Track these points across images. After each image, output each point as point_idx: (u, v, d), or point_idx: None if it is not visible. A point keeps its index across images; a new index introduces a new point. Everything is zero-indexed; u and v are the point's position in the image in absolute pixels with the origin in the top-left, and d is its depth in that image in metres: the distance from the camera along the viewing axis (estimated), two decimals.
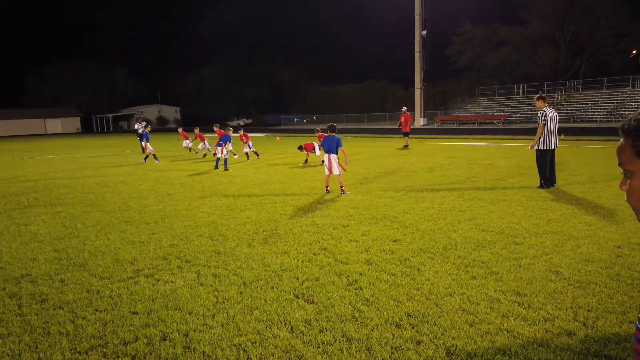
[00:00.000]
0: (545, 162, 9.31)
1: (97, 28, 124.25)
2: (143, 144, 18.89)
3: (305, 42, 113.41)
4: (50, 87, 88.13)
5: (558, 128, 9.50)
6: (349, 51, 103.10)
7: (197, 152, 20.93)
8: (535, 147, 9.41)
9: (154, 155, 17.95)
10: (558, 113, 9.78)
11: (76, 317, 3.84)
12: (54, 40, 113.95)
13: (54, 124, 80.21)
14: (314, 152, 15.96)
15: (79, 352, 3.27)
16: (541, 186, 9.32)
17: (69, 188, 11.40)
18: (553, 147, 9.31)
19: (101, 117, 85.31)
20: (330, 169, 9.37)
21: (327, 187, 9.60)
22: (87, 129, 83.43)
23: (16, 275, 4.89)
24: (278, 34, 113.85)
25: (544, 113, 9.23)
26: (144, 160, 17.89)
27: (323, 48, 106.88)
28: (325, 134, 16.56)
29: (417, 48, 44.93)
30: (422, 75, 45.80)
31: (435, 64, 49.86)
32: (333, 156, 9.32)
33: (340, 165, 9.41)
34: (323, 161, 9.90)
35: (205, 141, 19.85)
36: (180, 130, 22.90)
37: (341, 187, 9.44)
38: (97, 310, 3.97)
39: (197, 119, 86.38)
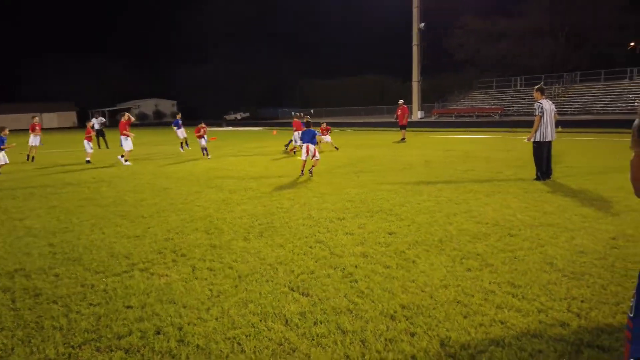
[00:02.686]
0: (542, 154, 9.31)
1: (93, 21, 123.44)
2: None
3: (301, 36, 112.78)
4: (45, 81, 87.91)
5: (556, 121, 9.50)
6: (346, 44, 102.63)
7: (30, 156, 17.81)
8: (533, 139, 9.41)
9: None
10: (556, 106, 9.77)
11: (70, 311, 3.83)
12: (48, 34, 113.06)
13: (50, 118, 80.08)
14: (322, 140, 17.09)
15: (72, 347, 3.26)
16: (537, 178, 9.33)
17: (64, 182, 11.36)
18: (550, 139, 9.31)
19: (97, 111, 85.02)
20: (309, 154, 11.16)
21: (302, 170, 11.23)
22: (84, 123, 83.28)
23: (10, 270, 4.87)
24: (274, 28, 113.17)
25: (541, 105, 9.23)
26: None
27: (319, 41, 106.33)
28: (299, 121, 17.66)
29: (414, 41, 44.73)
30: (420, 69, 45.69)
31: (433, 57, 49.65)
32: (312, 146, 11.17)
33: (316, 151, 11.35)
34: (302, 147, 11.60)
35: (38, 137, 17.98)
36: (36, 121, 19.07)
37: (312, 168, 11.24)
38: (91, 304, 3.96)
39: (193, 113, 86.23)
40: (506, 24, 55.30)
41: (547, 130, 9.25)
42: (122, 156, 15.43)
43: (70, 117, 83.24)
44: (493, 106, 43.77)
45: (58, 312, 3.82)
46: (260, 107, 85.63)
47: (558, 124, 9.90)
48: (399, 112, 22.51)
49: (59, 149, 24.99)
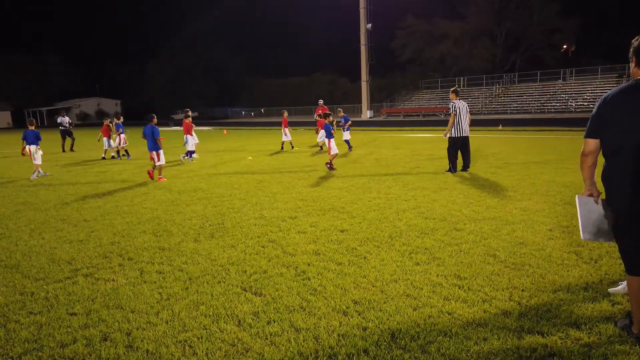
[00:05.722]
0: (456, 148, 10.26)
1: (30, 16, 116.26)
2: (118, 139, 16.56)
3: (252, 35, 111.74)
4: None
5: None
6: (297, 44, 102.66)
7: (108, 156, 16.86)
8: (448, 135, 10.33)
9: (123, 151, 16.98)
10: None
11: (8, 321, 3.63)
12: None
13: None
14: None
15: (12, 358, 3.09)
16: (449, 170, 10.27)
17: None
18: (465, 135, 10.22)
19: (34, 111, 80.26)
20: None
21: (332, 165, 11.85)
22: (20, 123, 78.24)
23: None
24: (224, 26, 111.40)
25: (454, 105, 10.23)
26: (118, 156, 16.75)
27: (270, 40, 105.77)
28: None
29: (362, 41, 45.44)
30: (368, 68, 46.44)
31: (380, 57, 50.59)
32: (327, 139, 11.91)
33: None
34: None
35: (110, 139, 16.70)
36: (108, 123, 16.79)
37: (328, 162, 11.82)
38: (31, 313, 3.76)
39: (139, 113, 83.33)
40: (447, 27, 57.42)
41: (462, 127, 10.20)
42: (191, 154, 15.46)
43: (4, 117, 78.14)
44: (438, 106, 45.17)
45: None
46: (210, 107, 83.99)
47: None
48: (320, 112, 20.28)
49: None
